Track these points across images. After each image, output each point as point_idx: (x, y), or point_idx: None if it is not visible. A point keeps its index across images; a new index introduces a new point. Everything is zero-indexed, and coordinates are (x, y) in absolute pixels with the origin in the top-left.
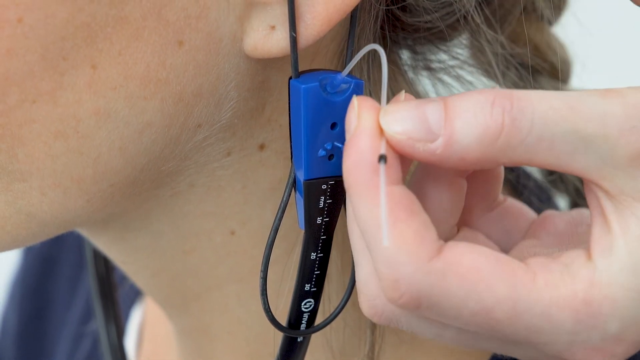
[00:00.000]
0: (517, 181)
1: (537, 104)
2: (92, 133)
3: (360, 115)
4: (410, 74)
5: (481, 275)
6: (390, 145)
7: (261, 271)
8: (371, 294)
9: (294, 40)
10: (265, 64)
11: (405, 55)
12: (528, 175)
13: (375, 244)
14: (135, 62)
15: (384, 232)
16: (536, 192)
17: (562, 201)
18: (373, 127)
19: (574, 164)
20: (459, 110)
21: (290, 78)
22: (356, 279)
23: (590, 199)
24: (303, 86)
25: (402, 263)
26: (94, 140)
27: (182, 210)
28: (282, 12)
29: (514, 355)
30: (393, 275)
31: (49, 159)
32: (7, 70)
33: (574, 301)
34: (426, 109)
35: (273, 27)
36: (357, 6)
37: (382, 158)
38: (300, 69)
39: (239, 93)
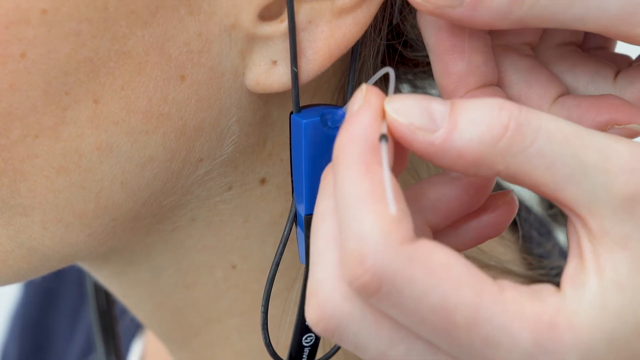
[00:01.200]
0: (518, 214)
1: (545, 121)
2: (94, 167)
3: (366, 96)
4: None
5: (450, 274)
6: (390, 131)
7: (262, 305)
8: (324, 294)
9: (295, 76)
10: (266, 99)
11: (405, 89)
12: (529, 209)
13: (350, 220)
14: (138, 96)
15: (389, 197)
16: (536, 226)
17: (562, 235)
18: (377, 108)
19: (566, 191)
20: (465, 107)
21: (292, 113)
22: (310, 281)
23: (571, 235)
24: (304, 121)
25: (374, 240)
26: (96, 175)
27: (183, 245)
28: (284, 47)
29: None
30: (361, 250)
31: (51, 194)
32: (10, 105)
33: (538, 323)
34: (432, 102)
35: (275, 62)
36: (358, 41)
37: (384, 137)
38: (302, 103)
39: (241, 128)
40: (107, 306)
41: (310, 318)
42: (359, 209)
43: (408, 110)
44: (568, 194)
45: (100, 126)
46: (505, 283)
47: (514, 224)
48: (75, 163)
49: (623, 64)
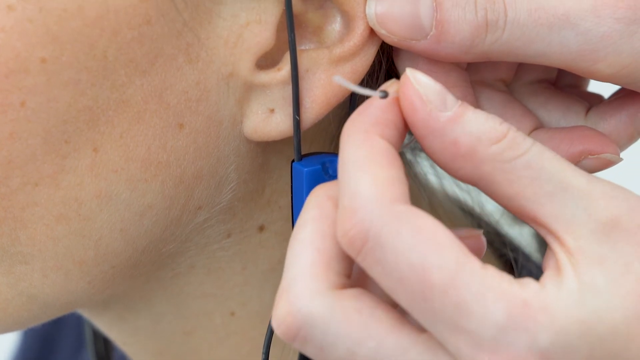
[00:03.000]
0: (516, 260)
1: (539, 143)
2: (94, 215)
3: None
4: (409, 156)
5: (434, 237)
6: (402, 96)
7: (263, 353)
8: (295, 290)
9: (297, 124)
10: (264, 147)
11: None
12: (527, 257)
13: (347, 181)
14: (137, 144)
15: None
16: (535, 273)
17: None
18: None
19: (545, 207)
20: (474, 108)
21: (293, 161)
22: (282, 280)
23: (547, 253)
24: (306, 169)
25: (365, 197)
26: (96, 223)
27: (182, 292)
28: (281, 95)
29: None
30: (353, 205)
31: (50, 242)
32: (10, 154)
33: (514, 298)
34: (447, 92)
35: (272, 110)
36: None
37: (384, 93)
38: (301, 151)
39: (239, 175)
40: (105, 353)
41: (278, 314)
42: (355, 172)
43: (426, 83)
44: (546, 210)
45: (100, 174)
46: (489, 265)
47: (512, 269)
48: (75, 211)
49: (594, 101)
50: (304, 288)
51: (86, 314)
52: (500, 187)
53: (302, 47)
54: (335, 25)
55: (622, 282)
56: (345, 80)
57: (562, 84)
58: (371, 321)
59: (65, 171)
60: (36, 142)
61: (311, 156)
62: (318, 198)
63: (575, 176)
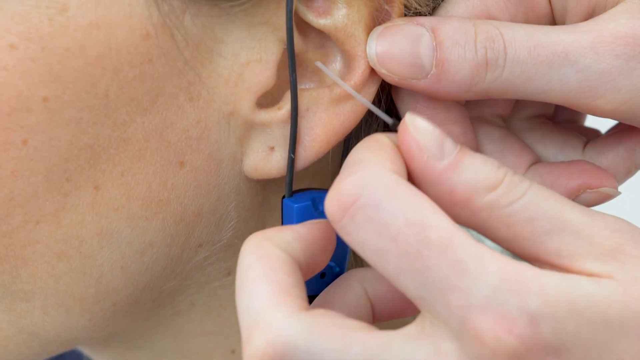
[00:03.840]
0: None
1: (535, 184)
2: (95, 253)
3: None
4: None
5: (432, 204)
6: (400, 142)
7: None
8: (266, 320)
9: (291, 161)
10: (265, 185)
11: None
12: None
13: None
14: (138, 182)
15: None
16: None
17: None
18: None
19: (546, 244)
20: (471, 153)
21: (284, 197)
22: (247, 320)
23: None
24: (295, 205)
25: (370, 174)
26: (97, 260)
27: (183, 329)
28: (281, 133)
29: (417, 302)
30: (355, 176)
31: (51, 279)
32: (12, 192)
33: (509, 265)
34: (446, 137)
35: (272, 149)
36: (353, 130)
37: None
38: (301, 187)
39: (239, 213)
40: None
41: (255, 350)
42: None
43: (424, 129)
44: (547, 247)
45: (101, 212)
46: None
47: None
48: (76, 249)
49: (592, 136)
50: (274, 315)
51: (87, 351)
52: (498, 232)
53: (303, 86)
54: (336, 65)
55: (628, 289)
56: (342, 81)
57: (560, 118)
58: (349, 329)
59: (66, 209)
60: (38, 180)
61: (302, 192)
62: (254, 240)
63: (574, 212)
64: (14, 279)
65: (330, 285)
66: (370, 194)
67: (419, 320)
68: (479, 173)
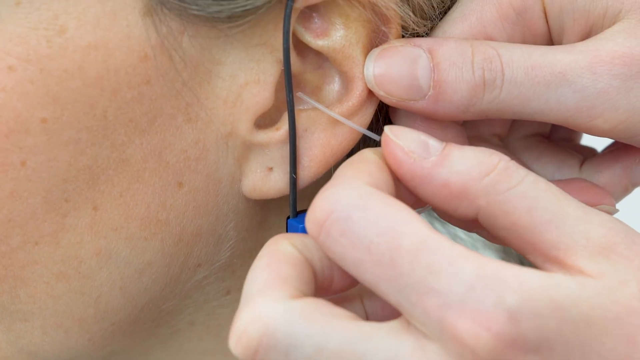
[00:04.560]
0: None
1: (533, 173)
2: (94, 273)
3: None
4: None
5: (404, 209)
6: (384, 154)
7: None
8: (255, 300)
9: (293, 181)
10: (263, 205)
11: None
12: None
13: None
14: (136, 203)
15: None
16: None
17: None
18: None
19: (544, 235)
20: (459, 147)
21: (288, 217)
22: (245, 296)
23: None
24: (300, 225)
25: (342, 189)
26: (95, 281)
27: (182, 348)
28: (279, 154)
29: (398, 308)
30: (327, 192)
31: (50, 299)
32: (11, 213)
33: (484, 263)
34: (429, 138)
35: (270, 169)
36: (353, 148)
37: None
38: (299, 208)
39: (238, 233)
40: None
41: (237, 327)
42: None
43: (405, 136)
44: (545, 238)
45: (100, 232)
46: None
47: None
48: (75, 269)
49: (588, 155)
50: (263, 298)
51: None
52: (497, 220)
53: (301, 107)
54: (334, 86)
55: (614, 292)
56: (309, 98)
57: (556, 137)
58: (332, 317)
59: (65, 229)
60: (36, 201)
61: (305, 212)
62: (275, 237)
63: (571, 205)
64: (13, 299)
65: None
66: (342, 208)
67: (404, 317)
68: (472, 160)
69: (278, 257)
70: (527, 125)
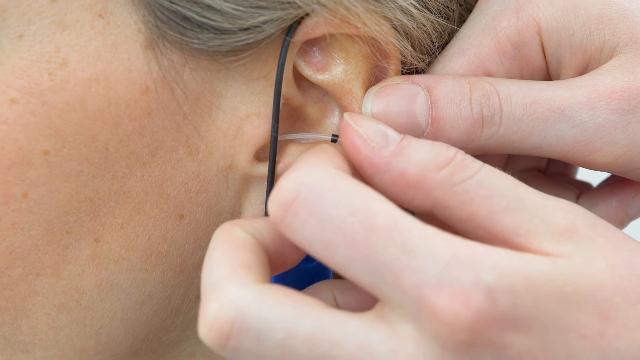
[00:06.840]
0: None
1: (488, 165)
2: (95, 305)
3: None
4: None
5: (373, 190)
6: (343, 140)
7: None
8: (222, 287)
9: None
10: None
11: None
12: None
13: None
14: (137, 235)
15: None
16: None
17: None
18: None
19: (502, 222)
20: (417, 140)
21: None
22: (203, 289)
23: None
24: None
25: (309, 170)
26: (97, 312)
27: None
28: None
29: (371, 290)
30: (294, 174)
31: (52, 331)
32: (12, 244)
33: (459, 243)
34: (388, 128)
35: None
36: None
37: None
38: None
39: None
40: None
41: (207, 316)
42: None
43: (365, 124)
44: (504, 225)
45: (101, 264)
46: None
47: None
48: (76, 301)
49: (583, 189)
50: (230, 283)
51: None
52: (454, 211)
53: (302, 140)
54: (334, 119)
55: (584, 268)
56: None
57: (552, 172)
58: (303, 304)
59: (66, 261)
60: (38, 233)
61: None
62: (224, 225)
63: (528, 192)
64: (14, 330)
65: (302, 291)
66: (311, 188)
67: (377, 306)
68: (429, 152)
69: (235, 244)
70: (523, 160)
